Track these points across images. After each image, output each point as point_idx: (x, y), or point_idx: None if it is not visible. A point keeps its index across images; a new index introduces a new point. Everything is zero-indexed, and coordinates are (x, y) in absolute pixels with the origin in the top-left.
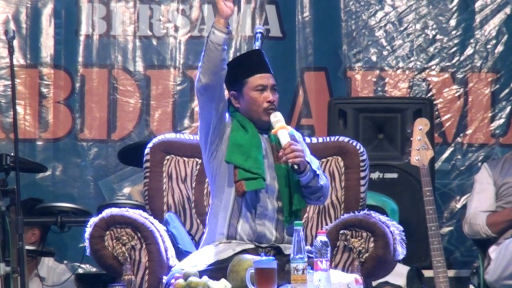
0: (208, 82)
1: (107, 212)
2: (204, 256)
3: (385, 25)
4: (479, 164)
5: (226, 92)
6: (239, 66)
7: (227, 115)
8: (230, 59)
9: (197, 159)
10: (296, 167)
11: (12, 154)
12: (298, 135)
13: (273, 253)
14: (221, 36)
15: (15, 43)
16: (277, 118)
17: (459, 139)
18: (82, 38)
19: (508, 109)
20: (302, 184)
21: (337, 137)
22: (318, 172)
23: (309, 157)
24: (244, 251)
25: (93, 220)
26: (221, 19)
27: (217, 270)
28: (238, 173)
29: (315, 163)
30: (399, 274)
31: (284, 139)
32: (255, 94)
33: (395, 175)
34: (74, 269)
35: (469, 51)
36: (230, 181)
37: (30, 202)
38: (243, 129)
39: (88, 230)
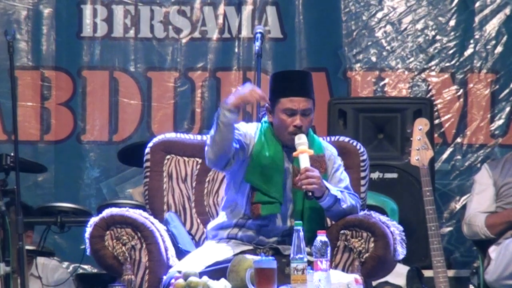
0: (214, 159)
1: (107, 212)
2: (203, 256)
3: (385, 26)
4: (479, 164)
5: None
6: (278, 82)
7: (250, 128)
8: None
9: (197, 159)
10: (310, 194)
11: (12, 154)
12: (330, 151)
13: (271, 254)
14: (232, 117)
15: (17, 44)
16: (300, 141)
17: (458, 140)
18: (83, 40)
19: (507, 109)
20: (324, 208)
21: (337, 137)
22: (339, 196)
23: (338, 176)
24: (243, 252)
25: (93, 220)
26: (235, 101)
27: (217, 270)
28: (256, 195)
29: (344, 182)
30: (399, 274)
31: (303, 164)
32: (283, 116)
33: (395, 175)
34: (74, 270)
35: (468, 51)
36: (244, 198)
37: None
38: (267, 147)
39: (88, 230)
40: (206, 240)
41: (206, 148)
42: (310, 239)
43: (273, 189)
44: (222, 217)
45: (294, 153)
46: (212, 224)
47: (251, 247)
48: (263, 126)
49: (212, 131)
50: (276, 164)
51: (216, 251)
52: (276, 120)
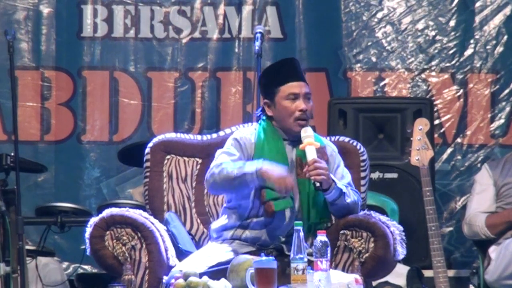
0: (215, 192)
1: (107, 212)
2: (206, 257)
3: (385, 26)
4: (479, 164)
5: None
6: (272, 74)
7: (247, 133)
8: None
9: (197, 159)
10: (318, 184)
11: (12, 154)
12: (331, 148)
13: (275, 254)
14: (255, 183)
15: (17, 44)
16: (306, 134)
17: (459, 140)
18: (83, 40)
19: (507, 109)
20: (329, 202)
21: (337, 137)
22: (344, 190)
23: (341, 173)
24: (246, 253)
25: (93, 220)
26: (267, 177)
27: (217, 270)
28: (266, 193)
29: (346, 179)
30: (399, 274)
31: (310, 156)
32: (286, 103)
33: (395, 175)
34: (74, 270)
35: (468, 51)
36: (250, 193)
37: None
38: (267, 144)
39: (88, 230)
40: (210, 240)
41: (213, 175)
42: (316, 226)
43: None
44: (225, 219)
45: (301, 146)
46: (215, 224)
47: (254, 249)
48: (262, 125)
49: (232, 171)
50: (280, 158)
51: (219, 252)
52: (278, 110)
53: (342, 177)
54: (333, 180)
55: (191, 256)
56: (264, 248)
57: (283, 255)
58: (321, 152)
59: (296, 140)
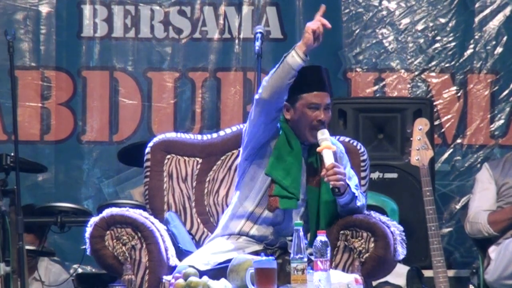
0: (267, 99)
1: (107, 212)
2: (213, 253)
3: (385, 26)
4: (479, 165)
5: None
6: (297, 79)
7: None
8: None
9: (197, 159)
10: (336, 190)
11: (12, 154)
12: (340, 148)
13: (280, 252)
14: (299, 62)
15: (17, 44)
16: (324, 136)
17: (458, 140)
18: (83, 40)
19: (507, 110)
20: (340, 205)
21: (337, 137)
22: (356, 194)
23: (348, 174)
24: (254, 253)
25: (94, 220)
26: (304, 46)
27: (218, 270)
28: (275, 188)
29: (353, 180)
30: (399, 274)
31: (328, 160)
32: (307, 111)
33: (395, 175)
34: (74, 270)
35: (468, 52)
36: (261, 188)
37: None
38: (288, 145)
39: (89, 230)
40: (216, 228)
41: (260, 89)
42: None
43: (292, 185)
44: (234, 208)
45: (318, 149)
46: (225, 215)
47: (260, 248)
48: (282, 125)
49: (273, 70)
50: (297, 159)
51: (226, 248)
52: (296, 116)
53: (350, 179)
54: (348, 185)
55: (197, 251)
56: (271, 247)
57: (286, 253)
58: (336, 156)
59: (308, 146)
